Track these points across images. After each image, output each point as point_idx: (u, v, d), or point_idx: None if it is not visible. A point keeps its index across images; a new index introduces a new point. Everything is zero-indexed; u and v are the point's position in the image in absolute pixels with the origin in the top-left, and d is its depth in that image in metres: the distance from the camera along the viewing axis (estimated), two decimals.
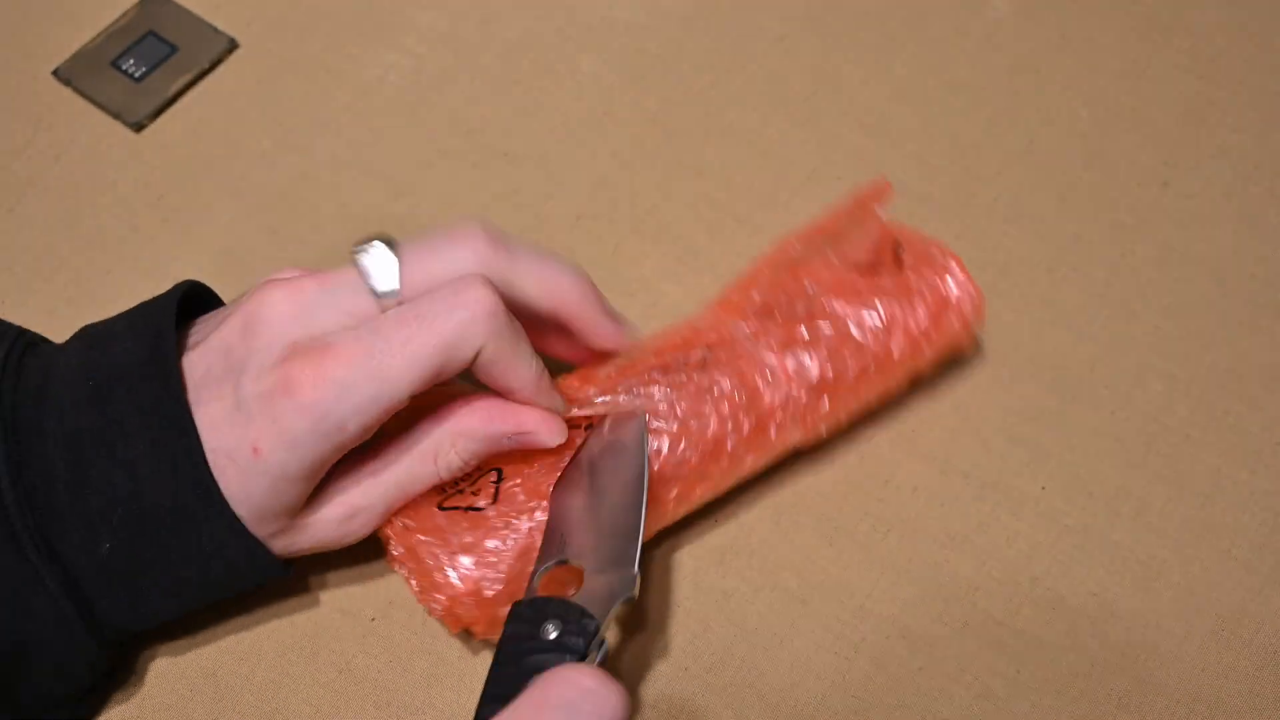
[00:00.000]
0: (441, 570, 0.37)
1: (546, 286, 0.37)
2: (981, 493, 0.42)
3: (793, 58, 0.52)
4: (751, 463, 0.40)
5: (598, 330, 0.39)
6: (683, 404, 0.39)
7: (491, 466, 0.38)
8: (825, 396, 0.40)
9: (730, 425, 0.39)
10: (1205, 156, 0.50)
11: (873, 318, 0.40)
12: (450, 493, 0.38)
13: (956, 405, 0.44)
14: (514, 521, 0.37)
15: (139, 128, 0.50)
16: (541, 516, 0.37)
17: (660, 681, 0.39)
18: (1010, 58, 0.52)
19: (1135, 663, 0.40)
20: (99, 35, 0.51)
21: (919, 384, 0.43)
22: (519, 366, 0.35)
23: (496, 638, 0.34)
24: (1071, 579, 0.41)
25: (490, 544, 0.37)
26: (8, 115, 0.50)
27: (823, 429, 0.40)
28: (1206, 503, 0.42)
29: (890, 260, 0.42)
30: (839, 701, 0.39)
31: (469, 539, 0.37)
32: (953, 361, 0.44)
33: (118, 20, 0.52)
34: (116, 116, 0.50)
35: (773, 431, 0.39)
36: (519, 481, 0.38)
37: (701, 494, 0.40)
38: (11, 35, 0.52)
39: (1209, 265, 0.47)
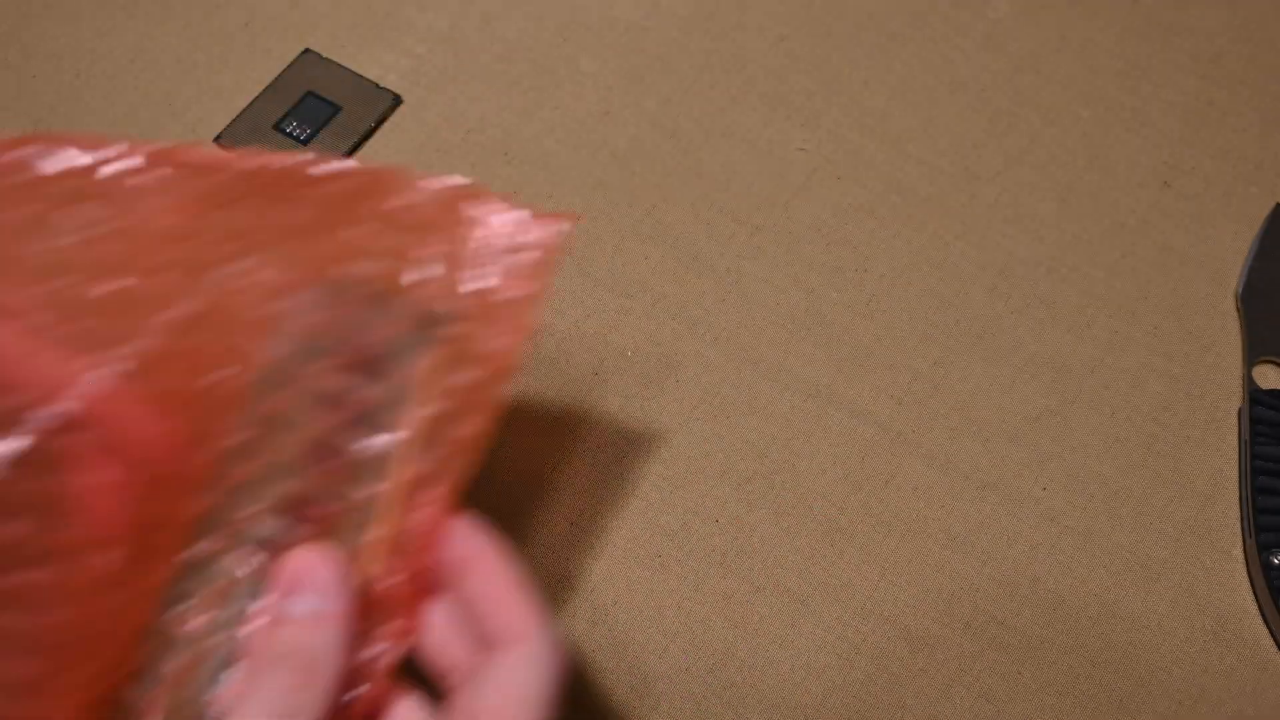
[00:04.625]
0: None
1: None
2: (981, 493, 0.42)
3: (793, 58, 0.52)
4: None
5: None
6: None
7: None
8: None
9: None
10: (1205, 156, 0.50)
11: None
12: None
13: (956, 405, 0.44)
14: None
15: None
16: None
17: (661, 682, 0.39)
18: (1010, 58, 0.52)
19: (1135, 663, 0.40)
20: (255, 100, 0.50)
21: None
22: None
23: None
24: (1072, 579, 0.41)
25: None
26: None
27: None
28: (1206, 503, 0.42)
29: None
30: (839, 701, 0.39)
31: None
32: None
33: (270, 85, 0.50)
34: None
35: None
36: None
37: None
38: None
39: (1209, 265, 0.47)
